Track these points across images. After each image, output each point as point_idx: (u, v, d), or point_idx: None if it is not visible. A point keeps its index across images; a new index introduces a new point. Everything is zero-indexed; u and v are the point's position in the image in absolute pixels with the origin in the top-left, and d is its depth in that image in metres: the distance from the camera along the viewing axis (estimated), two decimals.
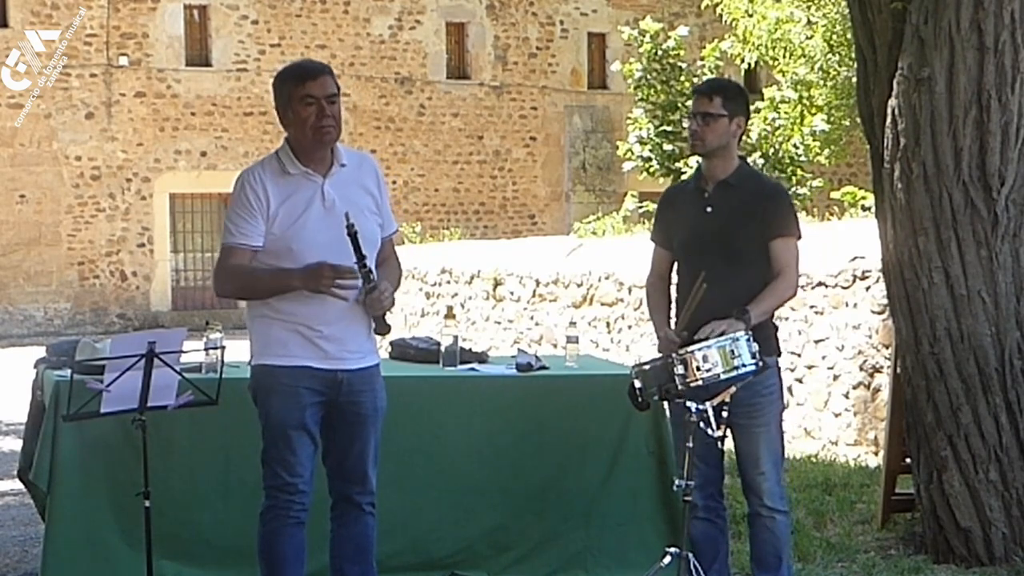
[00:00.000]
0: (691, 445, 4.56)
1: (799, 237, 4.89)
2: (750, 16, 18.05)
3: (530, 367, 5.78)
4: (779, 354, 4.95)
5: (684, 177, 16.44)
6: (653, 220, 5.18)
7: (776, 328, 4.98)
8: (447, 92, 24.67)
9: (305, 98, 4.35)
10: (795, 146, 16.93)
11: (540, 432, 5.64)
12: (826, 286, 8.78)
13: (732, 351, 4.52)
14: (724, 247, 4.80)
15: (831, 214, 13.77)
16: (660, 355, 4.63)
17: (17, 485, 6.35)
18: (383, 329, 4.47)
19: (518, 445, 5.61)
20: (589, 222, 16.51)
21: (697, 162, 5.06)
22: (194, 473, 5.33)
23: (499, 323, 12.72)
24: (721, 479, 5.08)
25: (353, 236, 4.29)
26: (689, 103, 18.48)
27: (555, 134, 25.48)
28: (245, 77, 23.19)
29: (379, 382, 4.58)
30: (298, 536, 4.50)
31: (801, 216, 15.49)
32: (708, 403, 4.50)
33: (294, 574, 4.53)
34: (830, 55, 17.74)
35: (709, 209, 4.86)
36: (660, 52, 17.15)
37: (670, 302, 5.06)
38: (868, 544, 6.18)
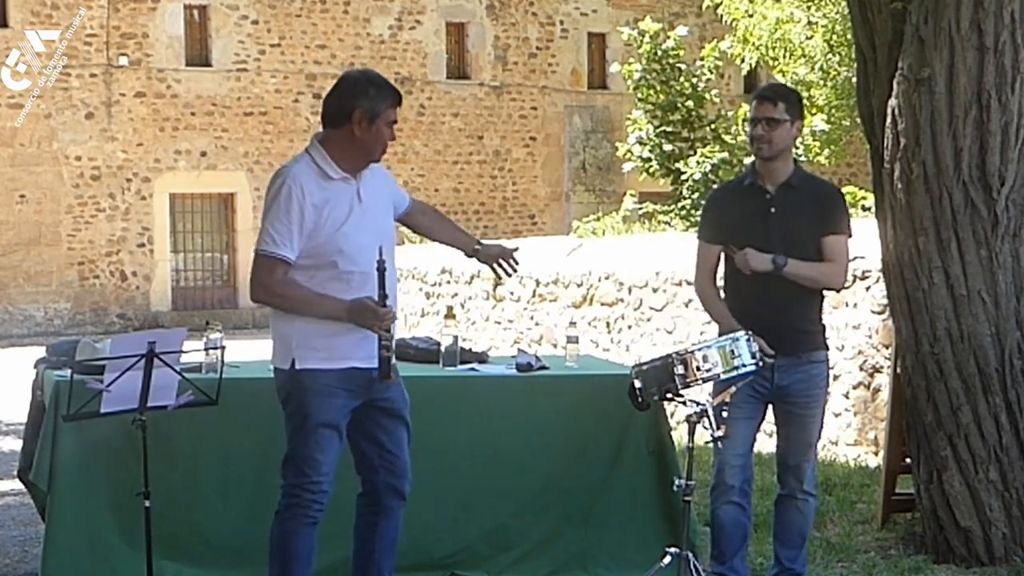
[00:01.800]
0: (691, 445, 4.57)
1: (850, 235, 5.15)
2: (750, 16, 18.05)
3: (530, 367, 5.77)
4: (827, 348, 5.21)
5: (684, 177, 16.47)
6: (703, 218, 5.35)
7: (824, 327, 5.20)
8: (447, 92, 24.67)
9: (392, 122, 4.53)
10: (795, 146, 16.92)
11: (540, 432, 5.64)
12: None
13: (732, 351, 4.55)
14: (787, 246, 5.00)
15: None
16: (660, 355, 4.65)
17: (17, 485, 6.35)
18: (387, 373, 4.52)
19: (518, 445, 5.61)
20: (589, 222, 16.51)
21: (752, 164, 5.23)
22: (194, 473, 5.33)
23: (499, 323, 12.72)
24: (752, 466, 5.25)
25: (381, 272, 4.43)
26: (689, 103, 18.49)
27: (555, 134, 25.48)
28: (245, 77, 23.19)
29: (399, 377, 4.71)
30: (312, 536, 4.58)
31: None
32: (708, 403, 4.52)
33: (305, 574, 4.59)
34: (830, 55, 17.73)
35: (773, 209, 5.06)
36: (659, 52, 17.14)
37: (719, 294, 5.25)
38: (868, 544, 6.18)
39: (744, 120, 17.27)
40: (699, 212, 6.65)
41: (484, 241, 5.12)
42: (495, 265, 5.03)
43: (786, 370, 5.01)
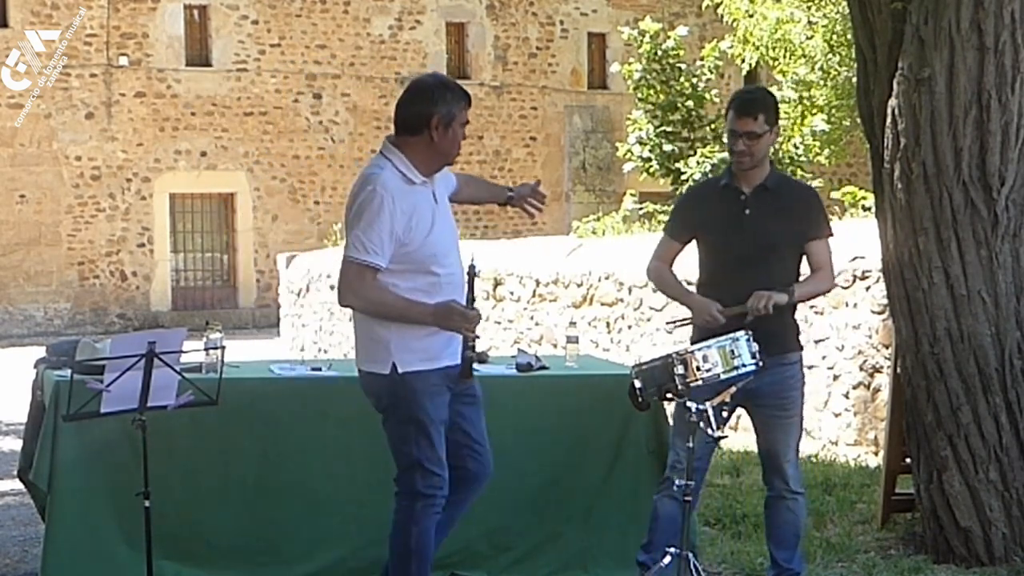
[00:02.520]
0: (691, 445, 4.57)
1: (831, 235, 5.14)
2: (750, 16, 18.05)
3: (530, 367, 5.77)
4: (801, 348, 5.17)
5: (684, 177, 16.46)
6: (673, 214, 5.35)
7: (798, 327, 5.15)
8: None
9: (465, 123, 4.66)
10: (795, 146, 16.92)
11: (540, 432, 5.64)
12: None
13: (732, 351, 4.54)
14: (761, 248, 4.96)
15: (831, 214, 13.74)
16: (660, 355, 4.64)
17: (17, 485, 6.35)
18: (468, 373, 4.72)
19: (518, 445, 5.60)
20: (589, 222, 16.51)
21: (728, 166, 5.18)
22: (194, 473, 5.33)
23: (499, 323, 12.71)
24: (706, 472, 5.21)
25: (471, 277, 4.61)
26: (689, 103, 18.43)
27: (555, 134, 25.47)
28: (245, 77, 23.19)
29: None
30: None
31: None
32: (708, 403, 4.51)
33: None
34: (830, 55, 17.73)
35: (748, 211, 5.01)
36: (660, 52, 17.13)
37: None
38: (868, 544, 6.18)
39: None
40: None
41: (513, 187, 5.32)
42: (525, 205, 5.20)
43: (757, 373, 4.81)
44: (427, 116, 4.58)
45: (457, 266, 4.70)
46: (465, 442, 4.83)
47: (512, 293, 12.66)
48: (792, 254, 5.06)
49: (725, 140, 5.12)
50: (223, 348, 5.14)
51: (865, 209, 13.21)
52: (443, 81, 4.76)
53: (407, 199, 4.55)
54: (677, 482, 4.67)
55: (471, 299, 4.61)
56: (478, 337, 4.67)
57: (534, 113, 25.33)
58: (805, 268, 5.16)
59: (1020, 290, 5.75)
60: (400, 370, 4.58)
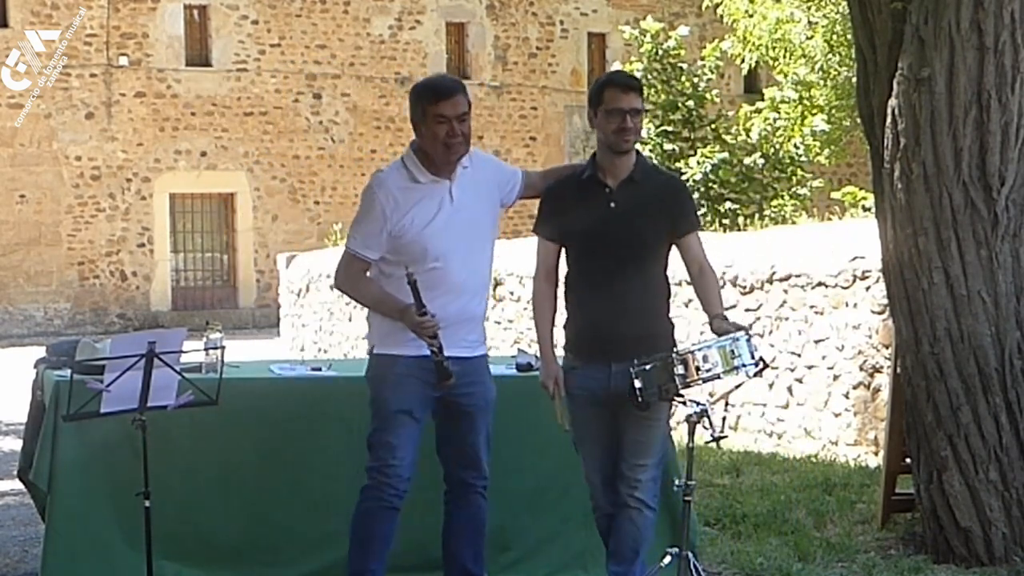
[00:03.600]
0: (691, 445, 4.57)
1: (701, 228, 5.06)
2: (750, 16, 18.06)
3: (530, 367, 5.76)
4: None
5: (685, 176, 16.45)
6: (539, 213, 5.01)
7: (673, 325, 4.94)
8: None
9: (437, 117, 4.68)
10: (795, 146, 16.92)
11: (540, 432, 5.63)
12: (826, 286, 8.77)
13: (732, 351, 4.53)
14: (629, 243, 4.78)
15: (831, 214, 13.77)
16: (660, 355, 4.61)
17: (17, 485, 6.35)
18: (443, 377, 4.71)
19: (518, 445, 5.60)
20: None
21: (592, 156, 5.00)
22: (194, 473, 5.33)
23: (499, 323, 12.70)
24: None
25: (412, 285, 4.62)
26: (690, 103, 18.36)
27: (555, 134, 25.48)
28: (245, 77, 23.19)
29: (488, 372, 4.97)
30: (390, 520, 4.78)
31: (801, 216, 15.43)
32: (708, 403, 4.51)
33: (381, 555, 4.79)
34: (830, 55, 17.74)
35: (613, 204, 4.81)
36: (660, 52, 17.13)
37: (555, 305, 5.02)
38: (868, 544, 6.18)
39: (745, 120, 17.32)
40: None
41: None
42: None
43: (623, 376, 4.62)
44: (411, 119, 4.82)
45: (457, 263, 4.74)
46: (447, 444, 4.93)
47: (512, 293, 12.65)
48: (661, 249, 4.83)
49: (597, 126, 4.93)
50: (223, 348, 5.15)
51: (865, 209, 13.22)
52: (421, 82, 4.93)
53: (407, 196, 4.73)
54: (677, 483, 4.65)
55: (419, 304, 4.63)
56: (439, 343, 4.68)
57: (534, 113, 25.34)
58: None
59: (1020, 290, 5.75)
60: (376, 351, 4.83)
